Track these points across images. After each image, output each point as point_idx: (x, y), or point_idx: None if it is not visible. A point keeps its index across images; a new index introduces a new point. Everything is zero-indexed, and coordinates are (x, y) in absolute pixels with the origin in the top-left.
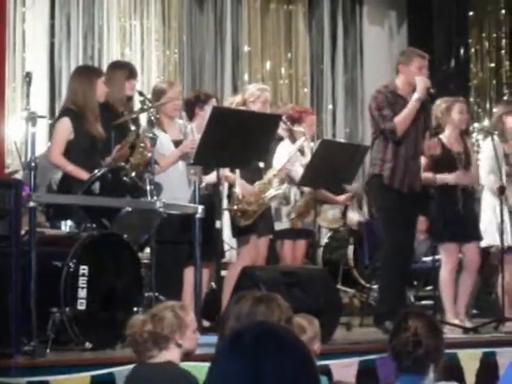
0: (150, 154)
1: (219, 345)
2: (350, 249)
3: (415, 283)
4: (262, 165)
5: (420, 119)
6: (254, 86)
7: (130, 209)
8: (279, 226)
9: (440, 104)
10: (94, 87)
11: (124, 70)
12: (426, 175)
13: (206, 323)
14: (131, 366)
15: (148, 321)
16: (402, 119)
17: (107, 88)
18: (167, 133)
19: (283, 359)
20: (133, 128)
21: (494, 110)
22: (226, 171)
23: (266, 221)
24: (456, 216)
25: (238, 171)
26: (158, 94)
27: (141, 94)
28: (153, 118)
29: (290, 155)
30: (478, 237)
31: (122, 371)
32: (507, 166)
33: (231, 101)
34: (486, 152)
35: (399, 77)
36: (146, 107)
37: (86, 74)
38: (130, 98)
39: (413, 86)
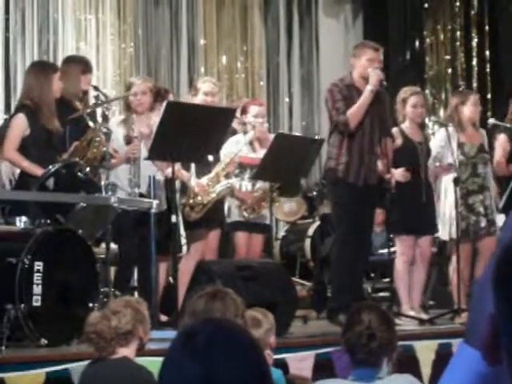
0: (104, 149)
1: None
2: (307, 242)
3: (372, 275)
4: (210, 158)
5: (375, 112)
6: (199, 79)
7: (84, 204)
8: (231, 218)
9: (399, 94)
10: (49, 82)
11: (79, 64)
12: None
13: (163, 318)
14: (87, 362)
15: (111, 317)
16: (354, 111)
17: (62, 83)
18: (129, 129)
19: (236, 360)
20: (91, 124)
21: (450, 100)
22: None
23: (217, 214)
24: (416, 209)
25: (193, 165)
26: (127, 88)
27: (96, 88)
28: (107, 112)
29: (238, 149)
30: (433, 230)
31: (77, 367)
32: (462, 156)
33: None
34: (436, 141)
35: (354, 70)
36: (99, 102)
37: (42, 69)
38: (85, 93)
39: (366, 78)
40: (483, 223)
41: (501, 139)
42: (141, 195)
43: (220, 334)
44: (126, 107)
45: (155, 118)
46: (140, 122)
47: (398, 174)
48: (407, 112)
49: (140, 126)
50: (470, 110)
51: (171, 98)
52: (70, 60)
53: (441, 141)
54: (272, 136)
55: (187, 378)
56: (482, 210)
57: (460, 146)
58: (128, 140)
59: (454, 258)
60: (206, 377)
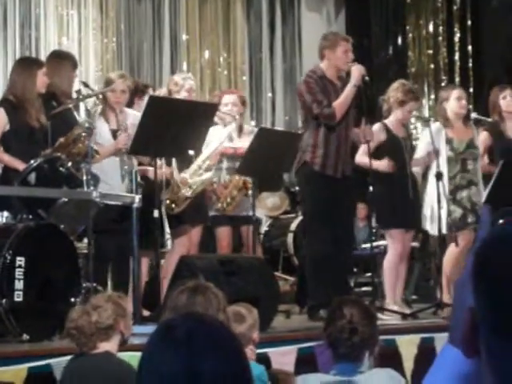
0: (87, 143)
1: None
2: (290, 236)
3: (355, 270)
4: (191, 152)
5: (351, 106)
6: (178, 75)
7: (66, 199)
8: (212, 212)
9: (397, 90)
10: (33, 78)
11: (70, 61)
12: (363, 160)
13: (145, 313)
14: (69, 357)
15: (92, 312)
16: (339, 105)
17: (52, 79)
18: (109, 123)
19: (216, 354)
20: (80, 120)
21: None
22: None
23: (199, 210)
24: (404, 204)
25: (174, 160)
26: (106, 83)
27: (85, 84)
28: (89, 108)
29: (220, 141)
30: (418, 225)
31: (59, 362)
32: (450, 152)
33: (157, 94)
34: (423, 138)
35: (324, 61)
36: (81, 96)
37: (26, 65)
38: None
39: (339, 69)
40: (470, 218)
41: (482, 136)
42: None
43: (200, 327)
44: (103, 101)
45: (134, 114)
46: (113, 116)
47: (383, 164)
48: (400, 114)
49: (114, 120)
50: (453, 104)
51: (151, 92)
52: (62, 57)
53: (426, 138)
54: (249, 127)
55: (167, 371)
56: (468, 205)
57: (448, 141)
58: (114, 133)
59: (450, 249)
60: (185, 370)
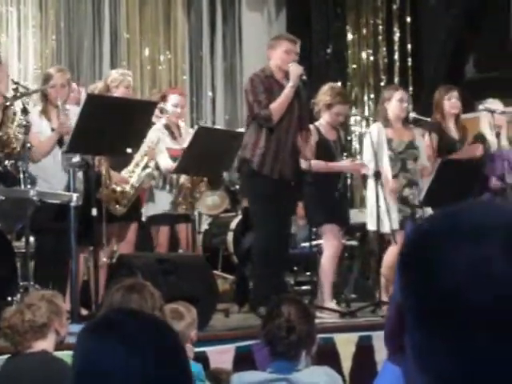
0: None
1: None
2: (230, 235)
3: (295, 268)
4: (129, 150)
5: (294, 107)
6: (116, 71)
7: (2, 197)
8: (155, 210)
9: (325, 93)
10: None
11: None
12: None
13: (83, 311)
14: (5, 357)
15: (25, 311)
16: (277, 107)
17: None
18: (51, 120)
19: (153, 349)
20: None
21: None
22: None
23: (134, 207)
24: (333, 202)
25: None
26: (45, 80)
27: (16, 82)
28: (26, 105)
29: (153, 137)
30: (346, 225)
31: None
32: (390, 151)
33: (93, 87)
34: (367, 139)
35: (270, 62)
36: (18, 94)
37: None
38: None
39: (283, 70)
40: (419, 214)
41: (432, 139)
42: None
43: (134, 322)
44: (42, 98)
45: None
46: (54, 114)
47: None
48: (328, 117)
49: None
50: (394, 106)
51: (75, 87)
52: None
53: (368, 140)
54: (190, 129)
55: (102, 366)
56: (416, 202)
57: (388, 141)
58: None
59: (390, 249)
60: (122, 364)
